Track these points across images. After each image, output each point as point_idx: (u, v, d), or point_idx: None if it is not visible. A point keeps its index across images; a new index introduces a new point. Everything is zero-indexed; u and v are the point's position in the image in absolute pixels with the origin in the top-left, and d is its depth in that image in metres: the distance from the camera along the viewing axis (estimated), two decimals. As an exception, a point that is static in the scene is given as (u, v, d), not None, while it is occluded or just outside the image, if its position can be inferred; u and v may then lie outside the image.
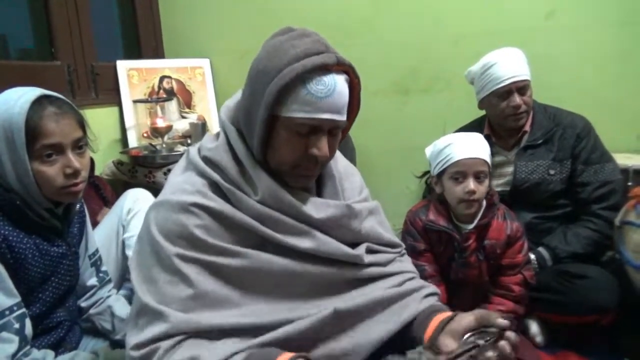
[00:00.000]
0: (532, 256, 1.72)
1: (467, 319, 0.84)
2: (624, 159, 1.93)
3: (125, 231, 1.54)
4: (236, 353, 0.80)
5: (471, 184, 1.46)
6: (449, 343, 0.83)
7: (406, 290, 1.01)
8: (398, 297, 0.99)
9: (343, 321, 0.92)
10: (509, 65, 1.74)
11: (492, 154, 1.89)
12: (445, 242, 1.56)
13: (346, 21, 2.43)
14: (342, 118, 0.90)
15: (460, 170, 1.47)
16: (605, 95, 2.18)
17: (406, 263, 1.12)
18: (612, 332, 1.60)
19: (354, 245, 0.99)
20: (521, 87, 1.75)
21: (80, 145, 1.13)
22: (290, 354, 0.78)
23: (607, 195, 1.73)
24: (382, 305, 0.96)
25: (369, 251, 1.02)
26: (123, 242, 1.55)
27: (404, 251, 1.15)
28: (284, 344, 0.83)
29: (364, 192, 1.13)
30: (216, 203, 0.89)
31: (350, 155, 2.15)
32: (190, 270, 0.85)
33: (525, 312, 1.61)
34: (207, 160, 0.94)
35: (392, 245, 1.10)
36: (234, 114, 0.97)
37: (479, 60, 1.85)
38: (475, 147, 1.49)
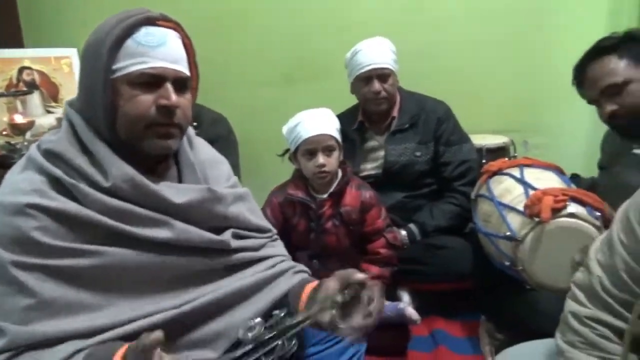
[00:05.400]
0: (404, 232, 1.86)
1: (330, 283, 0.88)
2: (479, 139, 2.14)
3: None
4: (79, 351, 0.76)
5: (320, 158, 1.57)
6: None
7: (277, 272, 1.03)
8: (269, 279, 1.01)
9: (212, 310, 0.93)
10: (371, 53, 1.86)
11: (366, 140, 2.04)
12: (300, 213, 1.66)
13: (227, 10, 2.41)
14: (184, 70, 0.91)
15: (310, 148, 1.57)
16: (467, 81, 2.39)
17: (278, 247, 1.14)
18: (473, 295, 1.78)
19: (220, 231, 0.99)
20: (381, 75, 1.87)
21: None
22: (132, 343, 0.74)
23: (466, 172, 1.92)
24: (252, 290, 0.98)
25: (237, 237, 1.02)
26: None
27: (276, 236, 1.17)
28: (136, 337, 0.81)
29: (231, 180, 1.13)
30: (57, 202, 0.82)
31: (233, 148, 2.14)
32: (29, 278, 0.78)
33: (393, 279, 1.75)
34: (48, 153, 0.87)
35: (262, 230, 1.11)
36: (77, 103, 0.93)
37: None
38: (321, 123, 1.58)
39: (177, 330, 0.89)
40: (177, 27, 0.92)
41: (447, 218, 1.88)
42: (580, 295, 0.87)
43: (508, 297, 1.49)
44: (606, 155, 1.62)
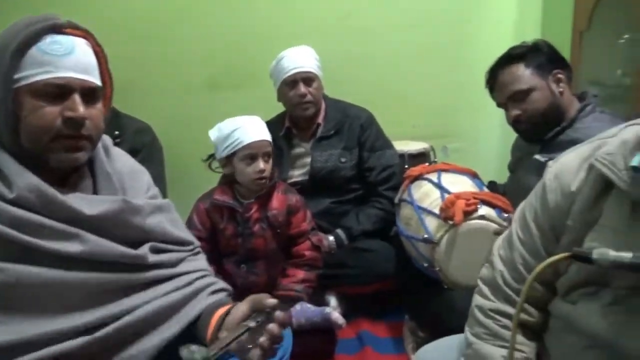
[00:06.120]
0: (331, 237, 1.90)
1: (241, 308, 0.87)
2: (401, 145, 2.22)
3: None
4: None
5: (261, 164, 1.58)
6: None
7: (193, 291, 1.00)
8: (185, 300, 0.97)
9: (124, 336, 0.89)
10: (294, 58, 1.92)
11: (293, 146, 2.07)
12: (228, 217, 1.66)
13: (152, 16, 2.35)
14: (93, 80, 0.88)
15: (251, 153, 1.58)
16: (389, 90, 2.49)
17: (200, 261, 1.11)
18: (397, 296, 1.84)
19: (138, 244, 0.95)
20: (305, 78, 1.92)
21: None
22: None
23: (389, 177, 1.99)
24: (166, 314, 0.94)
25: (155, 250, 0.98)
26: None
27: (199, 249, 1.14)
28: None
29: (151, 191, 1.09)
30: None
31: (158, 156, 2.09)
32: None
33: (321, 284, 1.76)
34: None
35: (183, 243, 1.08)
36: None
37: None
38: (260, 130, 1.60)
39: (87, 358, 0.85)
40: (86, 34, 0.89)
41: (372, 222, 1.94)
42: (485, 290, 0.93)
43: (428, 297, 1.56)
44: (514, 159, 1.75)
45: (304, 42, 2.02)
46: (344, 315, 1.73)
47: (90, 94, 0.88)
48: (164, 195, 1.67)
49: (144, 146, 1.96)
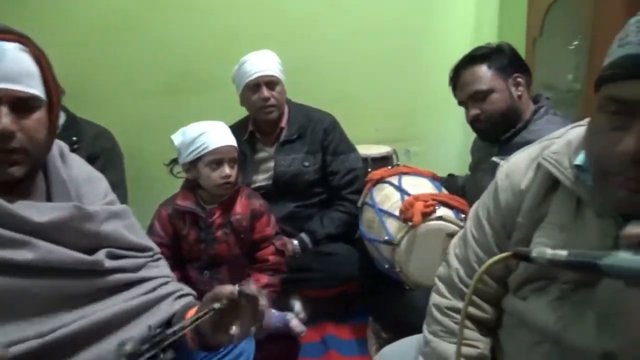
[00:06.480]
0: (295, 242, 1.90)
1: (208, 295, 0.84)
2: (364, 149, 2.25)
3: None
4: None
5: (227, 169, 1.57)
6: None
7: (158, 297, 0.98)
8: (149, 304, 0.96)
9: (82, 339, 0.86)
10: (257, 62, 1.92)
11: (257, 151, 2.06)
12: (190, 223, 1.64)
13: (115, 19, 2.31)
14: (25, 88, 0.82)
15: (217, 158, 1.56)
16: (352, 95, 2.52)
17: (161, 268, 1.09)
18: (361, 298, 1.86)
19: (94, 251, 0.93)
20: (268, 82, 1.92)
21: None
22: None
23: (353, 181, 2.01)
24: (129, 316, 0.92)
25: (112, 256, 0.96)
26: None
27: (159, 255, 1.11)
28: None
29: (109, 197, 1.07)
30: None
31: (118, 162, 2.04)
32: None
33: (284, 288, 1.76)
34: None
35: (142, 249, 1.05)
36: None
37: None
38: (227, 135, 1.59)
39: None
40: (22, 39, 0.83)
41: (336, 225, 1.95)
42: (442, 287, 0.95)
43: (390, 298, 1.58)
44: (474, 160, 1.79)
45: (265, 46, 2.01)
46: (309, 318, 1.74)
47: (22, 104, 0.83)
48: (125, 201, 1.64)
49: (103, 151, 1.92)
